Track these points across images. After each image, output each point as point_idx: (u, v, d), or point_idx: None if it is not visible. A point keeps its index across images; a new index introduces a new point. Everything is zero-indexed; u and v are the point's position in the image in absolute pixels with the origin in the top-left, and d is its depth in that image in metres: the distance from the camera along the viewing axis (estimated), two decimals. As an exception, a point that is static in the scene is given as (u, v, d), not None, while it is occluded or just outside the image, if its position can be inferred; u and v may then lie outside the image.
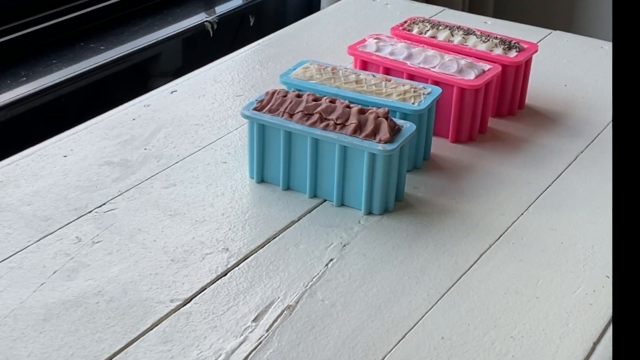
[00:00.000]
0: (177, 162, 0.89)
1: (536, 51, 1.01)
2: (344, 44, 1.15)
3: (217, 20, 1.38)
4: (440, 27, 1.03)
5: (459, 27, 1.03)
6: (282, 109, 0.83)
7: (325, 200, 0.84)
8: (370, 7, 1.33)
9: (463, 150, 0.94)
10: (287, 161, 0.84)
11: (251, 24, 1.47)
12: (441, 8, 1.34)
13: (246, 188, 0.85)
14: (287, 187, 0.85)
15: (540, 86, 1.09)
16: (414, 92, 0.89)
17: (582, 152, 0.94)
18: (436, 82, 0.94)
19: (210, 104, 1.01)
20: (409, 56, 0.97)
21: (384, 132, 0.80)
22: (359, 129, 0.81)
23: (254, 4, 1.47)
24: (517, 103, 1.02)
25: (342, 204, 0.83)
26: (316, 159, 0.82)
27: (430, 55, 0.96)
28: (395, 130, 0.81)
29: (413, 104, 0.87)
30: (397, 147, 0.79)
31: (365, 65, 0.99)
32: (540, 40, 1.22)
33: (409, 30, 1.05)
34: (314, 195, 0.84)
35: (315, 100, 0.83)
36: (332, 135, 0.80)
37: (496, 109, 1.01)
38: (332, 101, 0.83)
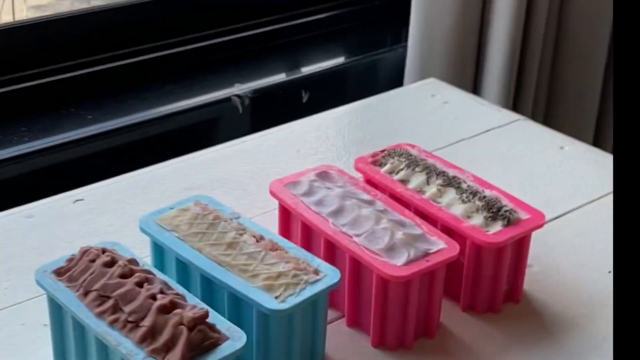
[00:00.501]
0: (-10, 314, 0.68)
1: (538, 227, 0.68)
2: (349, 153, 0.89)
3: (249, 95, 1.15)
4: (417, 168, 0.73)
5: (441, 173, 0.73)
6: (80, 280, 0.60)
7: (117, 419, 0.59)
8: (421, 103, 1.04)
9: (380, 364, 0.65)
10: (81, 351, 0.60)
11: (304, 100, 1.23)
12: (516, 117, 1.02)
13: (40, 373, 0.63)
14: (85, 385, 0.62)
15: (572, 267, 0.75)
16: (294, 276, 0.61)
17: (555, 405, 0.61)
18: (354, 260, 0.65)
19: (107, 226, 0.80)
20: (338, 211, 0.68)
21: (177, 351, 0.53)
22: (150, 336, 0.55)
23: (310, 76, 1.22)
24: (500, 296, 0.69)
25: None
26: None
27: (363, 215, 0.67)
28: (203, 347, 0.54)
29: (278, 296, 0.60)
30: (187, 378, 0.53)
31: (287, 213, 0.72)
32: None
33: (380, 165, 0.76)
34: (107, 406, 0.60)
35: (123, 275, 0.59)
36: (114, 338, 0.56)
37: (468, 302, 0.69)
38: (141, 282, 0.58)
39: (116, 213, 0.81)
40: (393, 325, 0.65)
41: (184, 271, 0.65)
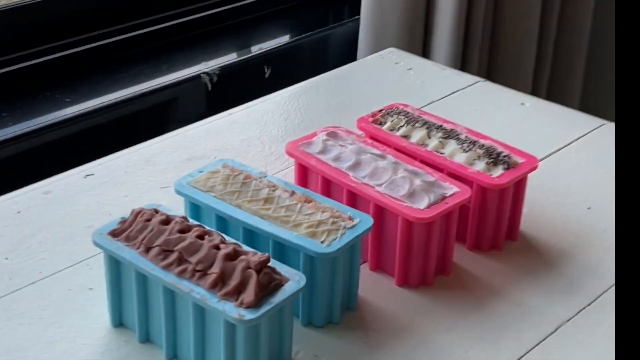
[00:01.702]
0: (32, 283, 0.71)
1: (534, 169, 0.76)
2: (333, 119, 0.95)
3: (217, 72, 1.20)
4: (417, 124, 0.81)
5: (440, 127, 0.80)
6: (139, 238, 0.64)
7: (184, 364, 0.64)
8: (388, 71, 1.11)
9: (407, 300, 0.71)
10: (143, 307, 0.64)
11: (266, 75, 1.28)
12: (476, 79, 1.10)
13: (97, 332, 0.67)
14: (146, 339, 0.66)
15: (554, 205, 0.84)
16: (332, 223, 0.67)
17: (567, 320, 0.69)
18: (379, 208, 0.72)
19: (123, 197, 0.83)
20: (356, 165, 0.75)
21: (249, 292, 0.59)
22: (220, 281, 0.60)
23: (270, 52, 1.28)
24: (502, 234, 0.77)
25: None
26: (173, 312, 0.62)
27: (381, 166, 0.74)
28: (270, 288, 0.60)
29: (323, 241, 0.65)
30: (263, 315, 0.58)
31: (304, 171, 0.78)
32: (584, 135, 0.96)
33: (380, 124, 0.82)
34: (173, 355, 0.64)
35: (182, 231, 0.63)
36: (185, 286, 0.60)
37: (474, 241, 0.77)
38: (202, 236, 0.63)
39: (129, 185, 0.85)
40: (416, 265, 0.72)
41: (223, 229, 0.70)
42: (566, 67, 1.50)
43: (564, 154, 0.93)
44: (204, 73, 1.19)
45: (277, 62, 1.30)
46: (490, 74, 1.40)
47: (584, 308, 0.70)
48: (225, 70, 1.22)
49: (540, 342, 0.67)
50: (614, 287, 0.72)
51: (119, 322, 0.67)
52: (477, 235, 0.77)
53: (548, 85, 1.49)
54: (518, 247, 0.78)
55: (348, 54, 1.38)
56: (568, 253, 0.77)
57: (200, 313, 0.60)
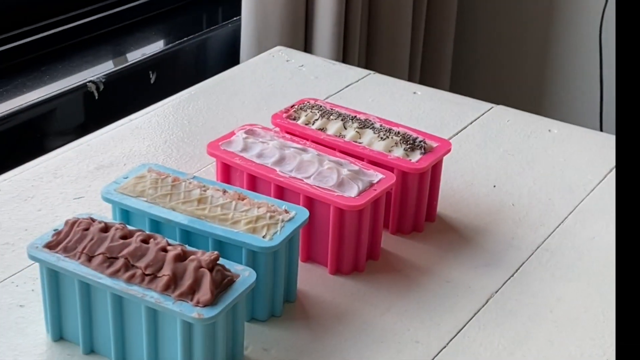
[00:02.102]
0: (-44, 305, 0.68)
1: (448, 151, 0.80)
2: (236, 119, 0.95)
3: (103, 80, 1.17)
4: (332, 117, 0.82)
5: (354, 118, 0.82)
6: (79, 248, 0.62)
7: (136, 371, 0.63)
8: (281, 69, 1.12)
9: (343, 287, 0.73)
10: (86, 318, 0.63)
11: (152, 81, 1.26)
12: (367, 72, 1.13)
13: (37, 348, 0.64)
14: (90, 350, 0.64)
15: (463, 186, 0.88)
16: (270, 217, 0.68)
17: (496, 292, 0.73)
18: (309, 199, 0.73)
19: (37, 211, 0.81)
20: (281, 160, 0.76)
21: (205, 291, 0.59)
22: (172, 283, 0.60)
23: (154, 57, 1.26)
24: (423, 216, 0.80)
25: (158, 376, 0.62)
26: (121, 319, 0.61)
27: (306, 160, 0.75)
28: (223, 285, 0.60)
29: (264, 236, 0.66)
30: (221, 312, 0.58)
31: (227, 170, 0.78)
32: (477, 118, 1.01)
33: (294, 119, 0.84)
34: (121, 363, 0.64)
35: (124, 237, 0.62)
36: (137, 291, 0.60)
37: (396, 225, 0.80)
38: (146, 240, 0.62)
39: (39, 199, 0.82)
40: (348, 252, 0.74)
41: (157, 233, 0.69)
42: (436, 52, 1.58)
43: (462, 137, 0.98)
44: (89, 82, 1.17)
45: (161, 67, 1.29)
46: (369, 63, 1.45)
47: (509, 278, 0.74)
48: (110, 77, 1.20)
49: (475, 314, 0.70)
50: (532, 257, 0.77)
51: (59, 336, 0.65)
52: (399, 219, 0.79)
53: (421, 70, 1.56)
54: (437, 227, 0.82)
55: (231, 54, 1.39)
56: (483, 229, 0.81)
57: (153, 317, 0.60)
